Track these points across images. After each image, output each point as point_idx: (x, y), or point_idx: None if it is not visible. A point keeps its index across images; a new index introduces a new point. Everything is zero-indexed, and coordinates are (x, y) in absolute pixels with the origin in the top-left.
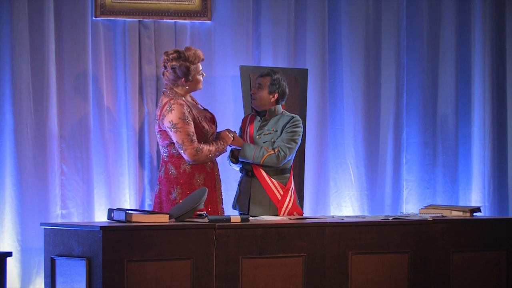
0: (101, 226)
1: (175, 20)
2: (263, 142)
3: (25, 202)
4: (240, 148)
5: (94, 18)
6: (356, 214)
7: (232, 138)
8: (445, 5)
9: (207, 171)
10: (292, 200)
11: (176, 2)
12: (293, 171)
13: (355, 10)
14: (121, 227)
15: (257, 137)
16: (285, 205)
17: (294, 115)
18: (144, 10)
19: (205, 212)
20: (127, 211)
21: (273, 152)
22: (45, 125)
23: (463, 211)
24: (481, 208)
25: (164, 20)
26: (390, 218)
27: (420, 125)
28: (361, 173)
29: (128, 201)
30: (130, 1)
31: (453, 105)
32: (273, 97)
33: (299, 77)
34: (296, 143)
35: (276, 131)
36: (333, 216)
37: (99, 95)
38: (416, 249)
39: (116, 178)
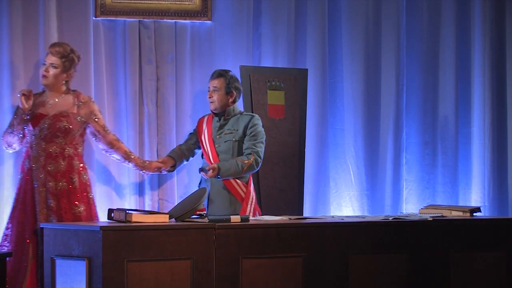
0: (101, 226)
1: (175, 20)
2: (224, 142)
3: None
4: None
5: (94, 18)
6: (356, 214)
7: None
8: (445, 5)
9: (24, 171)
10: (254, 199)
11: (176, 2)
12: (293, 171)
13: (355, 10)
14: (121, 227)
15: (218, 136)
16: (249, 202)
17: (252, 114)
18: (144, 10)
19: (205, 212)
20: (127, 211)
21: (249, 161)
22: None
23: (463, 211)
24: (481, 208)
25: (164, 20)
26: (390, 218)
27: (420, 125)
28: (361, 173)
29: (128, 201)
30: (130, 1)
31: (453, 105)
32: (231, 97)
33: (299, 77)
34: (264, 143)
35: (237, 130)
36: (333, 216)
37: (100, 95)
38: (416, 249)
39: (116, 178)
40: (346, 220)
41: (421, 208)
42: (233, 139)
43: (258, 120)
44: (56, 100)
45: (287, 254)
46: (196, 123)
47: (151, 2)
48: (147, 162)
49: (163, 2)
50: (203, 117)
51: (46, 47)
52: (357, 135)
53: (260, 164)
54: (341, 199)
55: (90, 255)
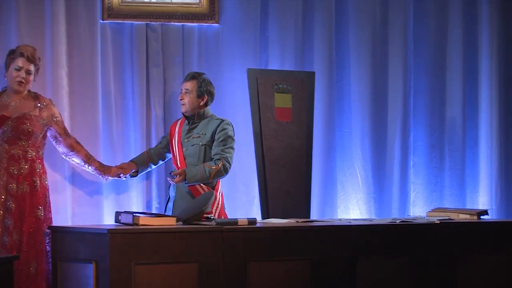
0: (108, 229)
1: (183, 23)
2: (191, 146)
3: None
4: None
5: (101, 21)
6: (364, 217)
7: None
8: (452, 9)
9: None
10: (220, 203)
11: (184, 5)
12: (300, 174)
13: (362, 13)
14: (128, 230)
15: (186, 140)
16: (214, 207)
17: (223, 118)
18: (151, 13)
19: (212, 215)
20: (134, 214)
21: (217, 167)
22: None
23: (470, 214)
24: (488, 211)
25: (172, 23)
26: (398, 221)
27: (427, 128)
28: (368, 176)
29: (135, 204)
30: (137, 4)
31: (460, 108)
32: (202, 100)
33: (306, 80)
34: (233, 148)
35: (205, 134)
36: (340, 219)
37: (107, 97)
38: (423, 252)
39: (124, 181)
40: (353, 223)
41: (429, 211)
42: (200, 143)
43: (227, 125)
44: (18, 102)
45: (294, 257)
46: (170, 128)
47: (158, 5)
48: (107, 166)
49: (171, 5)
50: (177, 120)
51: (54, 50)
52: (364, 138)
53: (229, 170)
54: (348, 202)
55: (98, 258)
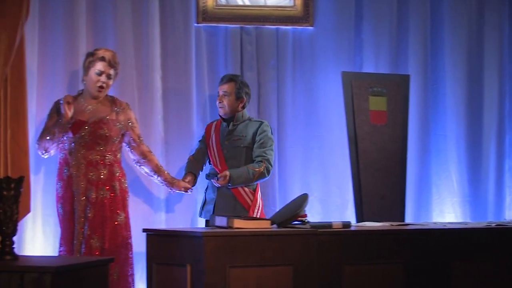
0: (202, 232)
1: (277, 26)
2: (233, 148)
3: (130, 208)
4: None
5: (196, 24)
6: (459, 221)
7: None
8: None
9: (63, 179)
10: (261, 206)
11: (278, 9)
12: (395, 177)
13: (457, 16)
14: (223, 233)
15: (226, 142)
16: (256, 209)
17: (262, 120)
18: (246, 17)
19: (307, 218)
20: (229, 217)
21: (260, 169)
22: (150, 131)
23: None
24: None
25: (266, 26)
26: (493, 225)
27: None
28: (464, 179)
29: None
30: (232, 8)
31: None
32: (241, 102)
33: (401, 83)
34: (273, 150)
35: (246, 136)
36: (435, 223)
37: (201, 101)
38: None
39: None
40: (448, 226)
41: None
42: (242, 145)
43: (267, 127)
44: (95, 105)
45: (389, 261)
46: (205, 129)
47: (252, 8)
48: (175, 180)
49: (265, 9)
50: (212, 122)
51: (149, 53)
52: (460, 141)
53: (270, 172)
54: (443, 205)
55: (192, 261)
